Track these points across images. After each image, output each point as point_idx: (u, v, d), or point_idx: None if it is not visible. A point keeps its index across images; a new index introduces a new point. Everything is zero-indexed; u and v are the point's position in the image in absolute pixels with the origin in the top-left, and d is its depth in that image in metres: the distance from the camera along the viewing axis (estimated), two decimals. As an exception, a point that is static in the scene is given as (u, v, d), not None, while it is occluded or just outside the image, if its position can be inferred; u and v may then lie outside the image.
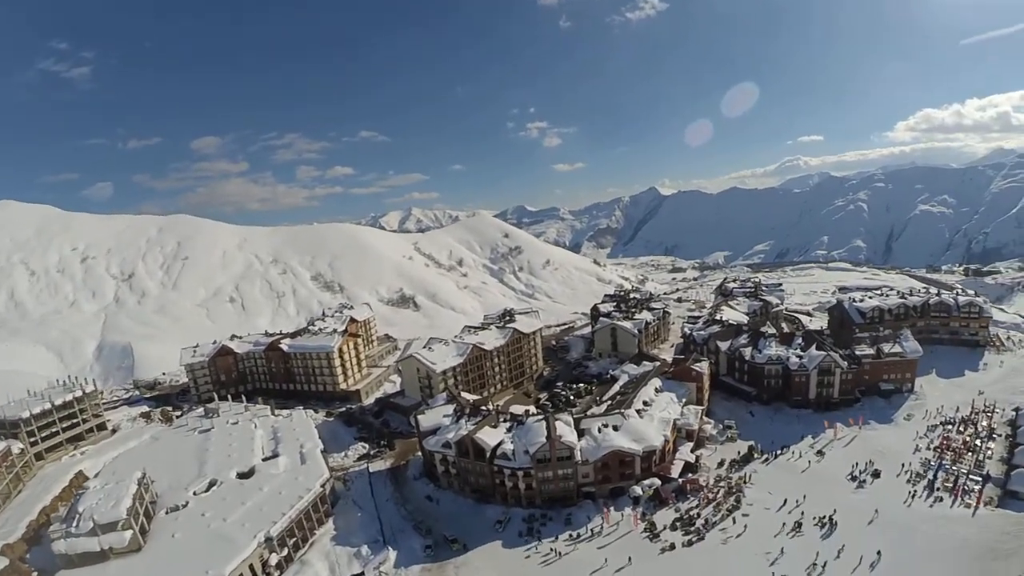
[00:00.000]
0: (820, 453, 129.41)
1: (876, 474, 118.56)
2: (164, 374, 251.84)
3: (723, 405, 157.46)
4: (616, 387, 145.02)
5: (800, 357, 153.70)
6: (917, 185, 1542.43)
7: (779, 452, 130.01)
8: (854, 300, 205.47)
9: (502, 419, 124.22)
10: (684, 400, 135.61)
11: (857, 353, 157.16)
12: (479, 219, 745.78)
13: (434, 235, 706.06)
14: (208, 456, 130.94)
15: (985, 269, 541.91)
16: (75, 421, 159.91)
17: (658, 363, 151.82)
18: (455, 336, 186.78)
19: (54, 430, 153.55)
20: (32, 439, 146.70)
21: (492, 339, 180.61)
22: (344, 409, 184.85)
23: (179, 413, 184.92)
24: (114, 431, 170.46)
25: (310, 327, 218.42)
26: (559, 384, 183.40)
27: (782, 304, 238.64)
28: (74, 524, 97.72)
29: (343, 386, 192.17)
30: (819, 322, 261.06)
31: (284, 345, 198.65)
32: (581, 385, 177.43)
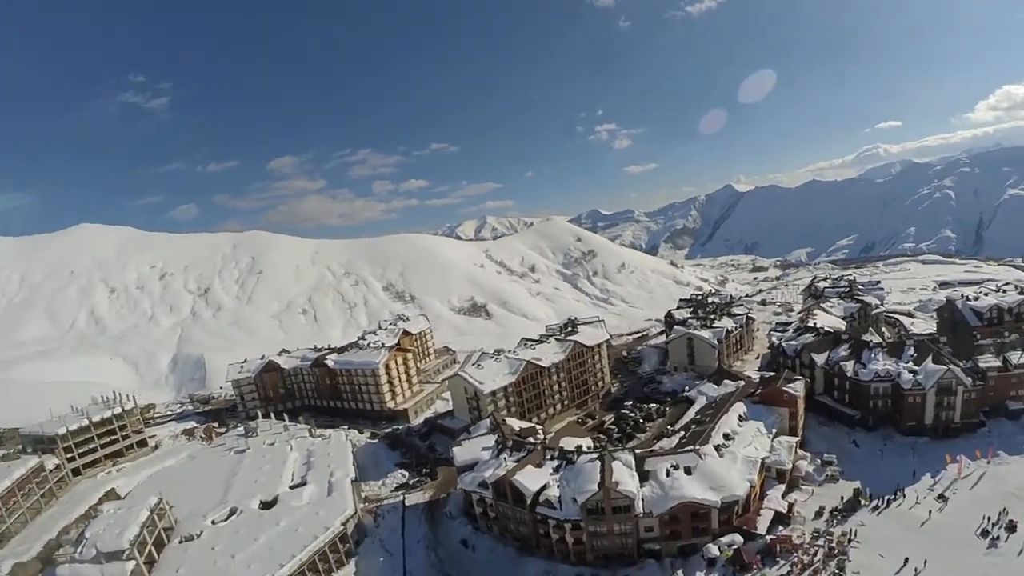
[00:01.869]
0: (942, 498, 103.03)
1: (1012, 527, 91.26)
2: (220, 388, 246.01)
3: (820, 432, 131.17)
4: (692, 412, 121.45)
5: (914, 372, 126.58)
6: (1004, 168, 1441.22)
7: (892, 497, 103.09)
8: (967, 298, 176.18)
9: (549, 456, 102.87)
10: (774, 430, 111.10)
11: (981, 365, 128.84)
12: (551, 224, 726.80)
13: (505, 242, 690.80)
14: (236, 480, 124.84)
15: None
16: (114, 437, 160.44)
17: (742, 383, 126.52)
18: (508, 351, 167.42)
19: (92, 446, 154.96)
20: (69, 455, 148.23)
21: (550, 353, 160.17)
22: (390, 430, 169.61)
23: (223, 430, 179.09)
24: (156, 448, 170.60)
25: (360, 341, 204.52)
26: (627, 404, 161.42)
27: (882, 305, 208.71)
28: (80, 550, 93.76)
29: (390, 405, 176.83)
30: (923, 324, 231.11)
31: (330, 361, 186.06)
32: (653, 406, 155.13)
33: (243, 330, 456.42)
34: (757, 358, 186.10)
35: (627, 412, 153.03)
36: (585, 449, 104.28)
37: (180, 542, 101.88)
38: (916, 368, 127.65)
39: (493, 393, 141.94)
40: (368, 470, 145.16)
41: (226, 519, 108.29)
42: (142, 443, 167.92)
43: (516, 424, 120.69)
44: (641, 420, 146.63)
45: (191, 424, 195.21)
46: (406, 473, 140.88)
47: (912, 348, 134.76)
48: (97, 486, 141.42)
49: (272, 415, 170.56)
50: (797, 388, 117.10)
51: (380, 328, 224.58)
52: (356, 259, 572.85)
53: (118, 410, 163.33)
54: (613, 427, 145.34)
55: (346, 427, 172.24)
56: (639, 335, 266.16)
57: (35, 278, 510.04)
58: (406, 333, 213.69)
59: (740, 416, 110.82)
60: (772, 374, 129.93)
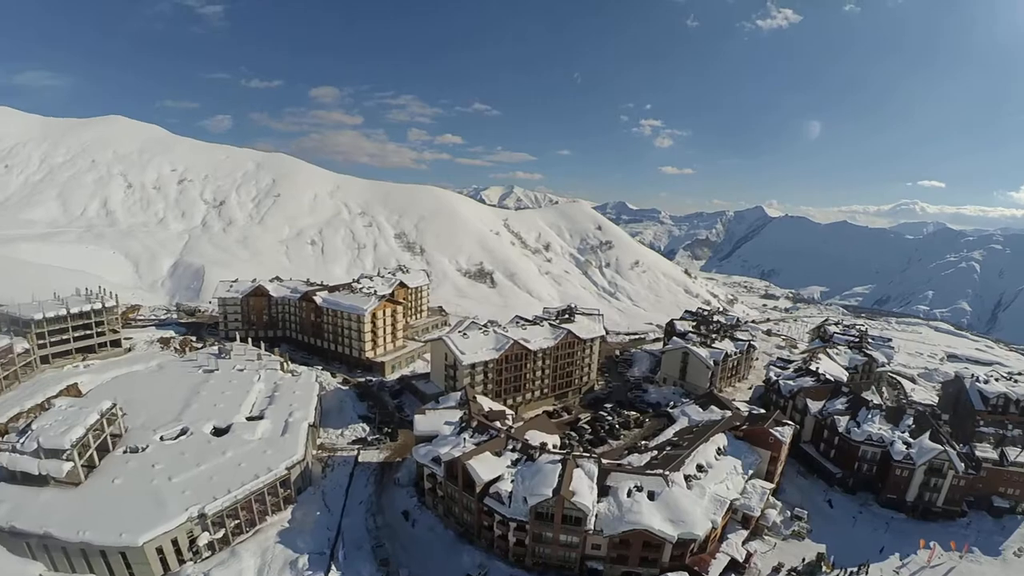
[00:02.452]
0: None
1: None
2: (209, 303, 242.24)
3: (797, 483, 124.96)
4: (670, 432, 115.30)
5: (908, 444, 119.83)
6: None
7: (855, 570, 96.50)
8: (977, 379, 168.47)
9: (510, 447, 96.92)
10: (751, 471, 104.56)
11: (977, 454, 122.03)
12: (574, 207, 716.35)
13: (526, 215, 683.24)
14: (196, 400, 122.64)
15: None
16: (89, 332, 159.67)
17: (729, 413, 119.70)
18: (499, 325, 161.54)
19: (65, 337, 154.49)
20: (41, 342, 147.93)
21: (540, 337, 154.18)
22: (363, 380, 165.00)
23: (200, 345, 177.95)
24: (129, 350, 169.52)
25: (354, 284, 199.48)
26: (607, 406, 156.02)
27: (888, 364, 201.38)
28: (23, 441, 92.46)
29: (369, 354, 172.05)
30: (923, 392, 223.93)
31: (318, 298, 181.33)
32: (632, 414, 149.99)
33: (249, 249, 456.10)
34: (750, 388, 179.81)
35: (605, 415, 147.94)
36: (551, 448, 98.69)
37: (124, 452, 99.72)
38: (911, 440, 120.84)
39: (472, 366, 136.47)
40: (331, 416, 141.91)
41: (175, 438, 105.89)
42: (116, 343, 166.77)
43: (487, 404, 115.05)
44: (617, 426, 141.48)
45: (170, 333, 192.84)
46: (367, 428, 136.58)
47: (911, 418, 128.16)
48: (61, 378, 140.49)
49: (250, 340, 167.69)
50: (785, 433, 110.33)
51: (379, 275, 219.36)
52: (374, 201, 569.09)
53: (98, 306, 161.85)
54: (587, 427, 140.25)
55: (320, 367, 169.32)
56: (636, 336, 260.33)
57: (56, 160, 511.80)
58: (402, 285, 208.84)
59: (719, 449, 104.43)
60: (762, 411, 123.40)
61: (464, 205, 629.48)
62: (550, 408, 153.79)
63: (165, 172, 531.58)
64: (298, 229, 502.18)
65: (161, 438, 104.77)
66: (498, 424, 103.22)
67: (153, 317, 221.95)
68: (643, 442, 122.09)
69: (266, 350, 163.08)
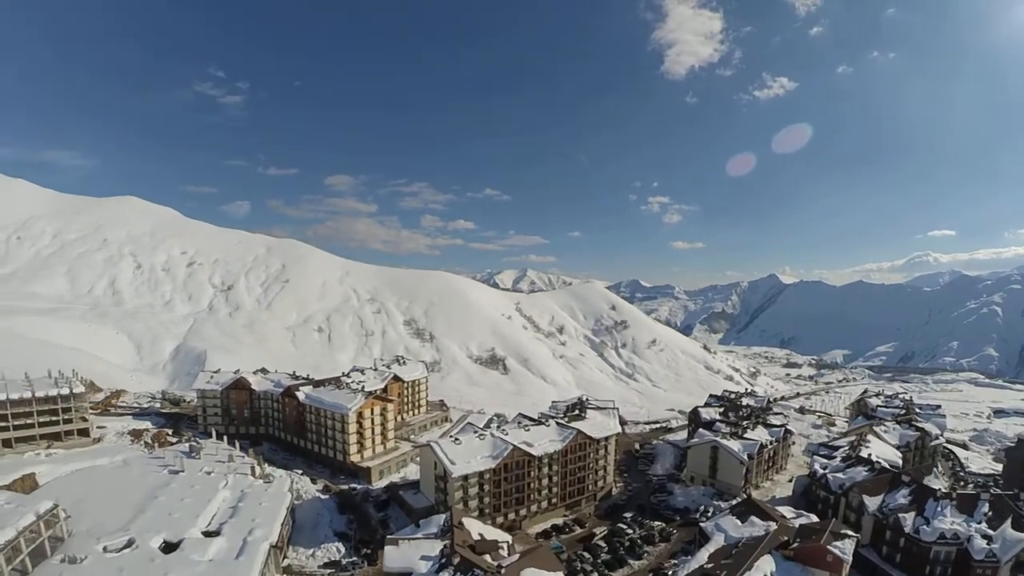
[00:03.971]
0: None
1: None
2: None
3: None
4: (704, 555, 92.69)
5: (988, 538, 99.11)
6: None
7: None
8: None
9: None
10: None
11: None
12: (587, 287, 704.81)
13: (538, 298, 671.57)
14: (153, 505, 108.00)
15: None
16: (55, 419, 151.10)
17: (773, 525, 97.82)
18: (500, 424, 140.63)
19: (30, 421, 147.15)
20: (3, 424, 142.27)
21: (545, 440, 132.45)
22: (346, 487, 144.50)
23: (175, 440, 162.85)
24: (97, 440, 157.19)
25: (343, 377, 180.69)
26: (627, 516, 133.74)
27: (943, 435, 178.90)
28: None
29: (354, 458, 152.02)
30: (979, 460, 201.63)
31: (301, 393, 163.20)
32: (657, 524, 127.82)
33: (254, 335, 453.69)
34: (790, 480, 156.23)
35: (624, 527, 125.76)
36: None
37: (61, 561, 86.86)
38: (991, 533, 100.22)
39: (464, 478, 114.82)
40: (304, 531, 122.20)
41: (119, 551, 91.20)
42: (84, 432, 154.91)
43: (477, 529, 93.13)
44: (639, 541, 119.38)
45: (146, 424, 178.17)
46: (342, 548, 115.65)
47: (987, 504, 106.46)
48: (20, 465, 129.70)
49: (225, 438, 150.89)
50: (846, 549, 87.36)
51: (373, 367, 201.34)
52: (384, 287, 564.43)
53: (65, 391, 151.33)
54: (603, 544, 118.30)
55: (300, 472, 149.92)
56: (658, 426, 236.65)
57: (68, 236, 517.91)
58: (397, 379, 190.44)
59: None
60: (814, 521, 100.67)
61: (475, 290, 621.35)
62: (559, 521, 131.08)
63: (175, 254, 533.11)
64: (306, 315, 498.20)
65: (104, 548, 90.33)
66: (488, 559, 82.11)
67: (135, 405, 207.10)
68: (671, 562, 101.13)
69: (247, 448, 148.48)
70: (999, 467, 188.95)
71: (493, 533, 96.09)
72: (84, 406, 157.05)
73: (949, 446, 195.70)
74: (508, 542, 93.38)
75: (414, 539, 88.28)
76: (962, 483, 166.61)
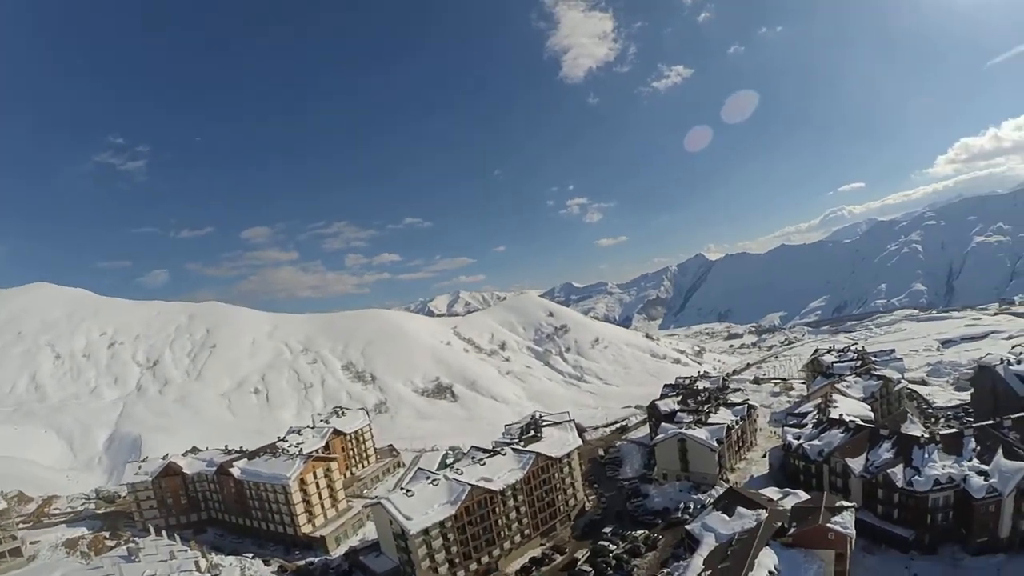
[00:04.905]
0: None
1: None
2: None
3: (866, 565, 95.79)
4: (698, 561, 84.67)
5: (984, 475, 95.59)
6: (969, 217, 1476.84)
7: None
8: (1008, 363, 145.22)
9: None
10: None
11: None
12: (522, 299, 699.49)
13: (474, 318, 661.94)
14: None
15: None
16: None
17: (763, 512, 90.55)
18: (451, 465, 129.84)
19: None
20: None
21: (504, 471, 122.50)
22: (304, 563, 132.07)
23: (113, 543, 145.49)
24: (31, 558, 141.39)
25: (279, 442, 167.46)
26: (606, 531, 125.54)
27: (903, 379, 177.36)
28: None
29: (305, 529, 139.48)
30: (942, 393, 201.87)
31: (236, 470, 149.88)
32: (640, 533, 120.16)
33: (188, 408, 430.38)
34: (763, 456, 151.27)
35: (606, 544, 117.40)
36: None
37: None
38: (985, 468, 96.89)
39: (425, 531, 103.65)
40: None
41: None
42: (15, 552, 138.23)
43: None
44: (625, 556, 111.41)
45: (81, 531, 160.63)
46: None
47: (972, 439, 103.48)
48: None
49: (164, 533, 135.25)
50: (847, 522, 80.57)
51: (311, 425, 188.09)
52: (316, 335, 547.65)
53: None
54: (588, 568, 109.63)
55: (250, 556, 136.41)
56: (617, 426, 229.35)
57: None
58: (337, 433, 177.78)
59: (771, 573, 74.57)
60: (804, 499, 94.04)
61: (410, 321, 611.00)
62: (537, 552, 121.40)
63: (94, 337, 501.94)
64: (239, 379, 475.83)
65: None
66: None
67: (70, 510, 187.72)
68: (663, 572, 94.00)
69: (191, 538, 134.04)
70: (963, 396, 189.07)
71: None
72: (12, 523, 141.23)
73: (911, 386, 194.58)
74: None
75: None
76: (932, 419, 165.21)
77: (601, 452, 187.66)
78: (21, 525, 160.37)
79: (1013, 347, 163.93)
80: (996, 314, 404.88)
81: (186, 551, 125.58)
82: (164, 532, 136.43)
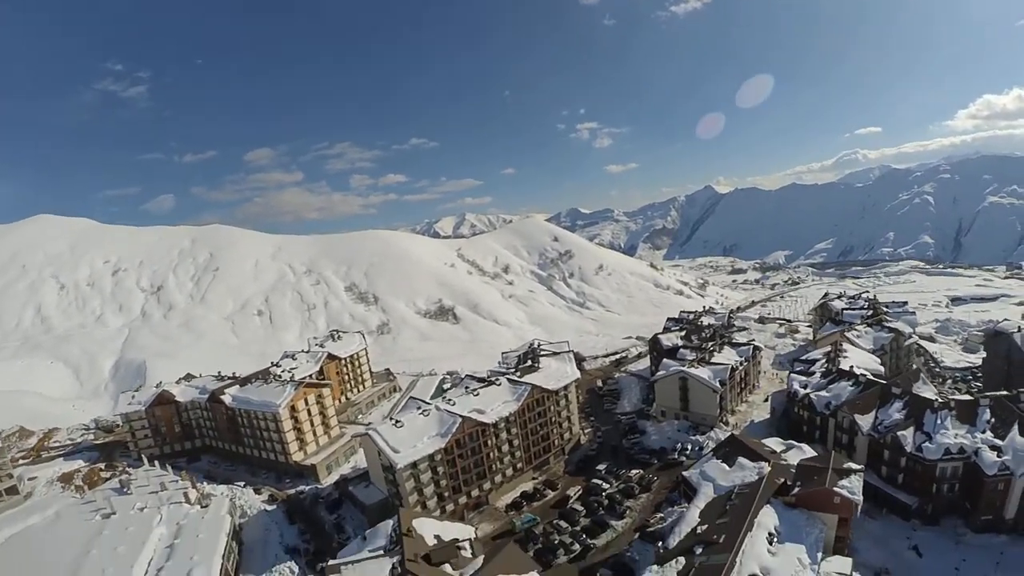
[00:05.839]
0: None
1: None
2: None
3: (866, 529, 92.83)
4: (695, 513, 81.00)
5: (997, 449, 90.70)
6: (985, 176, 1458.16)
7: None
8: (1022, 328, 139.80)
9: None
10: (819, 553, 71.52)
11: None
12: (527, 223, 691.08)
13: (479, 240, 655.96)
14: (87, 562, 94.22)
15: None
16: None
17: (766, 466, 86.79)
18: (442, 399, 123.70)
19: None
20: None
21: (498, 403, 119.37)
22: (294, 491, 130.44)
23: (108, 475, 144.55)
24: (28, 496, 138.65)
25: (272, 368, 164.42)
26: (600, 468, 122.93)
27: (915, 333, 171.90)
28: None
29: (296, 457, 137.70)
30: (950, 353, 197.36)
31: (227, 397, 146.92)
32: (635, 472, 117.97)
33: (192, 332, 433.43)
34: (766, 399, 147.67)
35: (599, 482, 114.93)
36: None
37: None
38: (999, 443, 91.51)
39: (413, 465, 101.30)
40: (254, 554, 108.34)
41: None
42: (11, 490, 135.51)
43: (433, 530, 79.76)
44: (618, 496, 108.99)
45: (78, 464, 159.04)
46: (295, 568, 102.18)
47: (988, 410, 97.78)
48: None
49: (157, 463, 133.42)
50: (855, 487, 76.15)
51: (305, 349, 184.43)
52: (320, 257, 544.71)
53: None
54: (579, 507, 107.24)
55: (241, 484, 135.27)
56: (617, 356, 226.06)
57: None
58: (332, 357, 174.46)
59: (771, 534, 71.49)
60: (812, 456, 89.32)
61: (413, 243, 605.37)
62: (529, 487, 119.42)
63: (98, 266, 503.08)
64: (243, 301, 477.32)
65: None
66: (448, 568, 69.47)
67: (69, 442, 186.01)
68: (656, 516, 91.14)
69: (184, 467, 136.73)
70: (970, 357, 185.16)
71: (452, 530, 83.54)
72: (7, 462, 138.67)
73: (920, 343, 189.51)
74: (471, 539, 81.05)
75: (359, 562, 74.88)
76: (940, 379, 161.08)
77: (599, 383, 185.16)
78: (21, 461, 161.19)
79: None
80: (1007, 278, 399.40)
81: (177, 481, 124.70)
82: (157, 462, 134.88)
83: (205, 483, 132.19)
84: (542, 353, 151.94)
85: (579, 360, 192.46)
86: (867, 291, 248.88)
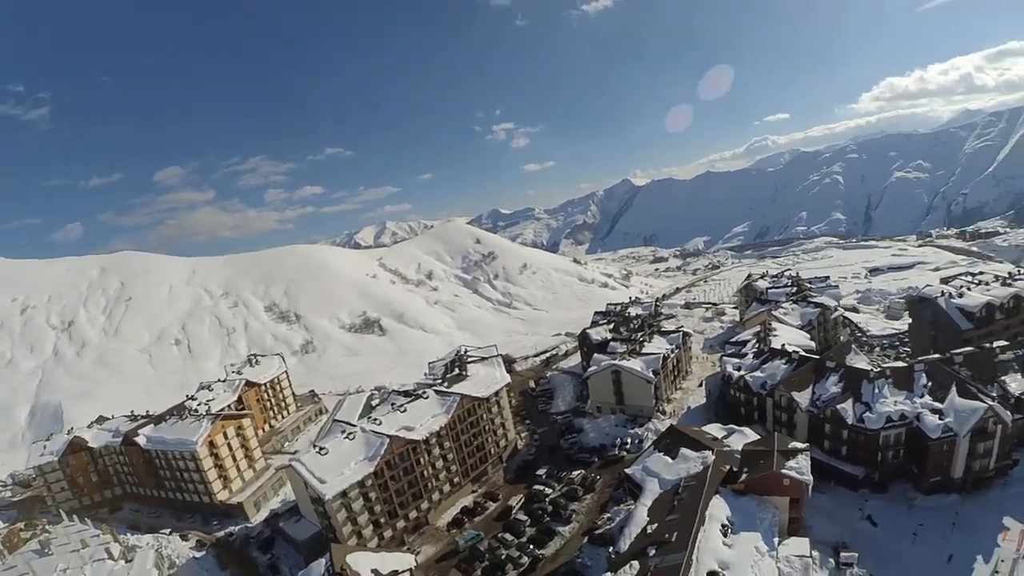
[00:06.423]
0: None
1: None
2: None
3: (816, 505, 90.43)
4: (642, 511, 78.33)
5: (939, 413, 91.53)
6: (890, 153, 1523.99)
7: None
8: (950, 295, 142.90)
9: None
10: (775, 537, 70.84)
11: (1012, 391, 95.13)
12: (448, 227, 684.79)
13: (400, 248, 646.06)
14: None
15: (985, 231, 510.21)
16: None
17: (710, 457, 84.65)
18: (368, 419, 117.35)
19: None
20: None
21: (426, 417, 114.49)
22: (223, 534, 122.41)
23: (28, 534, 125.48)
24: None
25: (188, 401, 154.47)
26: (540, 473, 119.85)
27: (839, 306, 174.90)
28: None
29: (221, 496, 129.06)
30: (875, 322, 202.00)
31: (141, 438, 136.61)
32: (577, 473, 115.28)
33: (108, 368, 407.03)
34: (700, 384, 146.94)
35: (542, 487, 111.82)
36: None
37: None
38: (939, 406, 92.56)
39: (343, 494, 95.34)
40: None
41: None
42: None
43: (370, 564, 75.00)
44: (562, 501, 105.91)
45: None
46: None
47: (923, 375, 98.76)
48: None
49: (75, 517, 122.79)
50: (803, 467, 75.59)
51: (222, 379, 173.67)
52: (236, 277, 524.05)
53: None
54: (524, 517, 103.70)
55: (167, 532, 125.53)
56: (548, 354, 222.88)
57: None
58: (249, 384, 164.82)
59: (724, 525, 69.20)
60: (755, 440, 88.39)
61: (334, 256, 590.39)
62: (469, 501, 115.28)
63: (5, 304, 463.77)
64: (159, 331, 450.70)
65: None
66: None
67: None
68: (603, 517, 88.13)
69: (107, 516, 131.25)
70: (895, 324, 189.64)
71: (390, 561, 78.43)
72: None
73: (846, 314, 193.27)
74: (411, 568, 76.25)
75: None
76: (868, 348, 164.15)
77: (532, 384, 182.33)
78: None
79: (950, 278, 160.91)
80: (920, 246, 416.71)
81: (98, 535, 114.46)
82: (76, 516, 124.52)
83: (128, 534, 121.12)
84: (469, 359, 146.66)
85: (509, 362, 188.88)
86: (788, 269, 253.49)
